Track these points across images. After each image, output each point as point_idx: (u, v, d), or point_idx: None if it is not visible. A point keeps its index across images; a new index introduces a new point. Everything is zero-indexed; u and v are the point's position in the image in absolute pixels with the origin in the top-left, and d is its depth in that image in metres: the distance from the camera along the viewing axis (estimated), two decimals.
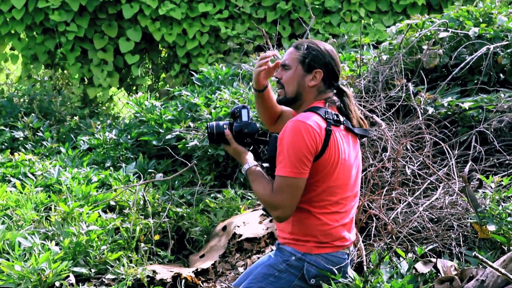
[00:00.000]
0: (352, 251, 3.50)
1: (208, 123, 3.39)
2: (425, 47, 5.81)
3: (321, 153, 3.21)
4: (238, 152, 3.41)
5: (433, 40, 5.87)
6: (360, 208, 4.55)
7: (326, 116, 3.26)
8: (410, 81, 5.57)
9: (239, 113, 3.43)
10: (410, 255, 3.72)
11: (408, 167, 4.71)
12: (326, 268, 3.29)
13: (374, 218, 4.46)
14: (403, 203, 4.42)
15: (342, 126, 3.32)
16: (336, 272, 3.30)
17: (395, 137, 4.94)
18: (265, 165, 3.42)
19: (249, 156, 3.40)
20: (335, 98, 3.40)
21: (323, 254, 3.30)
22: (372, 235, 4.34)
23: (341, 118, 3.33)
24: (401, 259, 3.64)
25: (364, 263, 4.06)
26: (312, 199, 3.27)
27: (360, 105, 5.26)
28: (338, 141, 3.27)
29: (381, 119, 5.12)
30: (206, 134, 3.41)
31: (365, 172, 4.81)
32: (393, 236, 4.16)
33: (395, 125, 5.07)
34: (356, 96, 5.46)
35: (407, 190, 4.62)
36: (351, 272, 3.56)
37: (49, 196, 5.29)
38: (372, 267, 3.67)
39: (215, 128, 3.39)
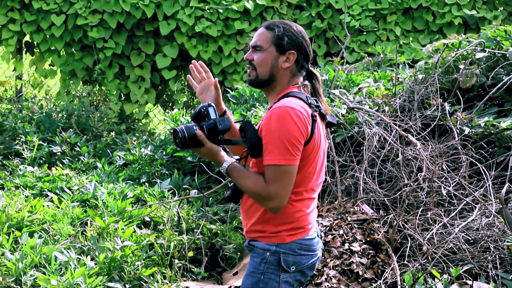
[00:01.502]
0: (317, 227, 3.40)
1: (175, 128, 3.13)
2: (461, 66, 5.77)
3: (309, 139, 3.09)
4: (214, 152, 3.19)
5: (470, 59, 5.82)
6: (395, 228, 4.53)
7: (309, 101, 3.15)
8: (446, 100, 5.54)
9: (206, 112, 3.18)
10: (445, 276, 3.68)
11: (444, 188, 4.67)
12: (300, 252, 3.21)
13: (409, 238, 4.43)
14: (438, 224, 4.38)
15: (318, 113, 3.21)
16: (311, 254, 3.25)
17: (431, 157, 4.90)
18: (236, 157, 3.29)
19: (224, 154, 3.21)
20: (306, 82, 3.27)
21: (296, 240, 3.20)
22: (407, 256, 4.31)
23: (319, 104, 3.23)
24: (436, 280, 3.61)
25: (398, 283, 4.03)
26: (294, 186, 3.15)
27: (395, 124, 5.24)
28: (319, 127, 3.19)
29: (416, 139, 5.09)
30: (176, 140, 3.17)
31: (400, 192, 4.78)
32: (428, 257, 4.12)
33: (431, 145, 5.03)
34: (391, 115, 5.44)
35: (443, 210, 4.58)
36: None
37: (85, 211, 5.32)
38: (407, 287, 3.64)
39: (186, 132, 3.12)
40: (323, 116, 3.29)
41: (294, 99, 3.13)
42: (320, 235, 4.42)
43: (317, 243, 3.33)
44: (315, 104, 3.21)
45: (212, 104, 3.22)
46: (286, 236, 3.22)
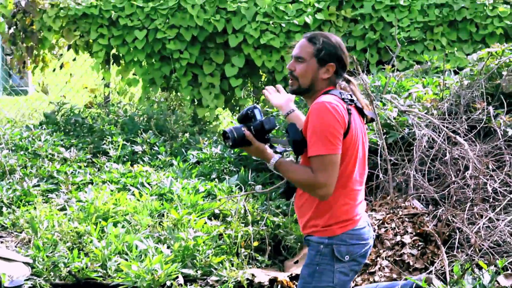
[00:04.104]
0: (368, 217, 3.30)
1: (225, 129, 3.12)
2: (504, 73, 5.57)
3: (347, 131, 3.02)
4: (261, 150, 3.15)
5: None
6: (444, 222, 4.38)
7: (343, 96, 3.08)
8: (490, 104, 5.35)
9: (253, 113, 3.14)
10: (491, 267, 3.50)
11: (489, 185, 4.51)
12: (352, 242, 3.12)
13: (457, 231, 4.28)
14: (484, 218, 4.22)
15: (354, 105, 3.13)
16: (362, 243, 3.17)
17: (477, 156, 4.74)
18: (279, 150, 3.20)
19: (271, 151, 3.16)
20: (344, 83, 3.21)
21: (347, 231, 3.11)
22: (456, 248, 4.15)
23: (354, 98, 3.14)
24: (483, 271, 3.43)
25: (447, 273, 3.88)
26: (338, 178, 3.06)
27: (443, 126, 5.08)
28: (356, 119, 3.10)
29: (463, 140, 4.93)
30: (226, 140, 3.13)
31: (448, 188, 4.63)
32: (476, 249, 3.96)
33: (477, 145, 4.87)
34: (439, 118, 5.28)
35: (488, 206, 4.41)
36: (436, 282, 3.39)
37: (162, 204, 5.30)
38: (455, 277, 3.49)
39: (235, 132, 3.09)
40: (360, 110, 3.19)
41: (329, 95, 3.07)
42: (374, 227, 4.31)
43: (368, 232, 3.22)
44: (349, 98, 3.12)
45: (258, 106, 3.18)
46: (336, 228, 3.14)
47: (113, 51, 8.85)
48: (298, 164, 3.13)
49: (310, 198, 3.14)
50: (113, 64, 8.97)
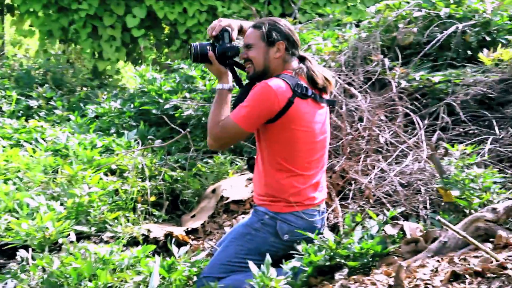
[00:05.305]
0: (324, 208, 3.47)
1: (192, 43, 3.31)
2: (401, 25, 5.67)
3: (277, 117, 3.17)
4: (220, 72, 3.35)
5: (408, 19, 5.72)
6: (338, 173, 4.45)
7: (294, 88, 3.20)
8: (386, 56, 5.43)
9: (222, 35, 3.35)
10: (380, 217, 3.60)
11: (382, 136, 4.60)
12: (298, 224, 3.26)
13: (351, 183, 4.35)
14: (377, 169, 4.31)
15: (309, 99, 3.26)
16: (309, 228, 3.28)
17: (371, 108, 4.81)
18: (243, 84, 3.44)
19: (229, 78, 3.36)
20: (301, 65, 3.33)
21: (294, 212, 3.26)
22: (350, 198, 4.23)
23: (309, 92, 3.26)
24: (372, 221, 3.53)
25: (340, 224, 3.96)
26: (281, 163, 3.24)
27: (340, 78, 5.13)
28: (302, 111, 3.22)
29: (358, 91, 4.99)
30: (190, 53, 3.35)
31: (342, 140, 4.69)
32: (370, 200, 4.05)
33: (371, 97, 4.94)
34: (336, 70, 5.32)
35: (381, 157, 4.50)
36: (327, 233, 3.45)
37: (57, 160, 5.17)
38: (347, 228, 3.56)
39: (199, 49, 3.31)
40: (318, 99, 3.31)
41: (277, 79, 3.20)
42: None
43: (317, 222, 3.35)
44: (303, 92, 3.23)
45: (228, 29, 3.36)
46: (283, 206, 3.28)
47: (7, 0, 8.48)
48: (226, 107, 3.29)
49: (262, 174, 3.31)
50: (7, 14, 8.61)
